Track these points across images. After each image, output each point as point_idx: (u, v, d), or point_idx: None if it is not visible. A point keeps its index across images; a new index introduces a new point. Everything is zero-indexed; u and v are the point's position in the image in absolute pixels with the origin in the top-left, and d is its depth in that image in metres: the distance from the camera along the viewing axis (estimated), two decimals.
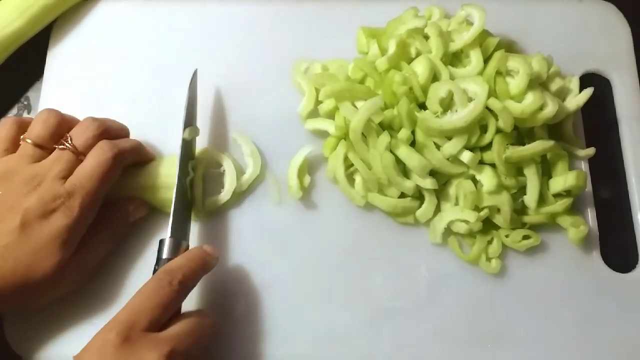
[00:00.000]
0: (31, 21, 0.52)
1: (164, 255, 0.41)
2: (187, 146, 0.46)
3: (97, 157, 0.42)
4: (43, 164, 0.42)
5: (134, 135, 0.48)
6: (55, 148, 0.43)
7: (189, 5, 0.55)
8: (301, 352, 0.45)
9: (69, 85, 0.52)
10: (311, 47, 0.53)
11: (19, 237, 0.39)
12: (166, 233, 0.43)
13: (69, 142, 0.43)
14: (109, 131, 0.45)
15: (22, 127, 0.44)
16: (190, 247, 0.43)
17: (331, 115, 0.50)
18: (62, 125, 0.44)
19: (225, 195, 0.47)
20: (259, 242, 0.47)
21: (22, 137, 0.43)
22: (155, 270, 0.41)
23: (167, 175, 0.46)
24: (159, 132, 0.50)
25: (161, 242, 0.42)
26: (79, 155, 0.43)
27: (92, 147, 0.43)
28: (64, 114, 0.45)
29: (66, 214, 0.40)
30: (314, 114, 0.50)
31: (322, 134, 0.50)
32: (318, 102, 0.50)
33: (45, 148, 0.43)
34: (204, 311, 0.41)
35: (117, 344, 0.35)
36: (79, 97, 0.52)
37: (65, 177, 0.41)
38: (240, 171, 0.49)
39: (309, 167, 0.49)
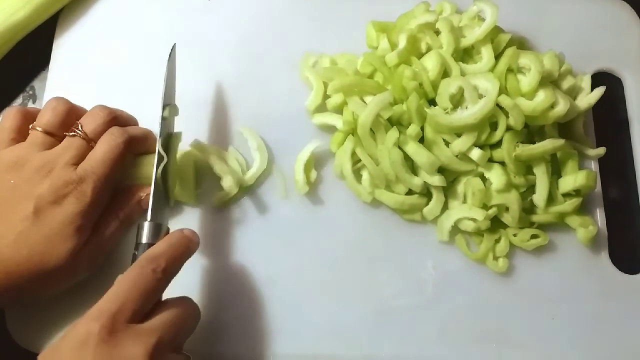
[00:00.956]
0: (37, 10, 0.51)
1: (144, 240, 0.40)
2: (166, 126, 0.45)
3: (109, 142, 0.42)
4: (54, 151, 0.42)
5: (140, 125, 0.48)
6: (65, 136, 0.43)
7: None
8: (305, 348, 0.45)
9: (75, 75, 0.52)
10: (320, 40, 0.52)
11: (33, 224, 0.39)
12: (145, 217, 0.41)
13: (80, 129, 0.43)
14: (119, 119, 0.45)
15: (27, 116, 0.44)
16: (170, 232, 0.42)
17: (339, 110, 0.49)
18: (71, 113, 0.44)
19: (231, 189, 0.47)
20: (265, 236, 0.47)
21: (31, 125, 0.43)
22: (134, 255, 0.40)
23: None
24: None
25: (140, 225, 0.41)
26: (90, 142, 0.43)
27: (102, 134, 0.43)
28: (72, 102, 0.45)
29: (79, 199, 0.40)
30: (321, 108, 0.50)
31: (330, 129, 0.50)
32: (326, 97, 0.50)
33: (55, 135, 0.43)
34: (185, 298, 0.40)
35: (101, 337, 0.34)
36: (84, 87, 0.51)
37: (76, 164, 0.41)
38: (246, 165, 0.48)
39: (316, 162, 0.49)
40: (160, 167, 0.43)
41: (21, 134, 0.43)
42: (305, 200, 0.48)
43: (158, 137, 0.44)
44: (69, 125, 0.43)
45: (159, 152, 0.43)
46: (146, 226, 0.41)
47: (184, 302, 0.39)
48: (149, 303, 0.37)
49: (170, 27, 0.53)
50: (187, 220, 0.47)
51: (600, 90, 0.48)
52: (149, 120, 0.48)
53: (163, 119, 0.44)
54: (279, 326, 0.45)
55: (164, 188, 0.44)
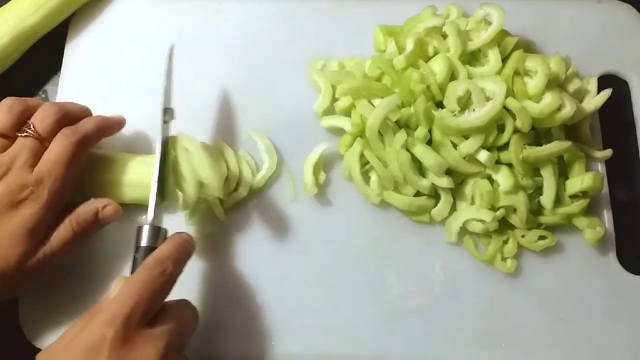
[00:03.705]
0: (49, 15, 0.52)
1: (144, 243, 0.41)
2: (165, 129, 0.46)
3: (61, 144, 0.42)
4: (8, 153, 0.41)
5: (151, 130, 0.48)
6: (18, 136, 0.42)
7: (205, 2, 0.55)
8: (314, 348, 0.45)
9: (86, 78, 0.52)
10: (328, 44, 0.53)
11: None
12: (145, 220, 0.42)
13: (32, 128, 0.42)
14: (69, 114, 0.44)
15: None
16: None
17: (347, 112, 0.50)
18: (26, 112, 0.43)
19: (242, 191, 0.48)
20: (274, 237, 0.48)
21: None
22: (135, 258, 0.40)
23: (137, 172, 0.45)
24: (173, 126, 0.50)
25: (139, 229, 0.41)
26: (43, 142, 0.42)
27: (55, 132, 0.42)
28: (29, 99, 0.44)
29: (36, 202, 0.40)
30: (330, 111, 0.50)
31: (338, 132, 0.50)
32: (334, 100, 0.50)
33: (8, 137, 0.42)
34: (184, 301, 0.40)
35: (115, 343, 0.34)
36: (95, 91, 0.52)
37: (32, 165, 0.41)
38: (255, 168, 0.49)
39: (325, 164, 0.49)
40: (157, 170, 0.43)
41: None
42: (314, 201, 0.49)
43: (159, 141, 0.44)
44: (23, 124, 0.43)
45: (160, 154, 0.43)
46: (146, 229, 0.41)
47: (185, 305, 0.40)
48: (158, 305, 0.37)
49: (181, 31, 0.54)
50: (197, 221, 0.48)
51: (606, 93, 0.49)
52: (158, 124, 0.48)
53: (164, 122, 0.45)
54: (288, 326, 0.45)
55: (160, 191, 0.44)
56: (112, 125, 0.47)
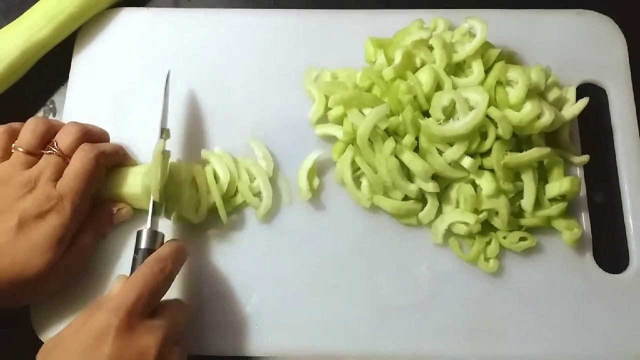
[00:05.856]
0: (57, 29, 0.54)
1: (143, 245, 0.45)
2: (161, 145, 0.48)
3: (80, 159, 0.45)
4: (35, 169, 0.45)
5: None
6: (43, 153, 0.46)
7: (205, 15, 0.57)
8: (309, 344, 0.47)
9: (92, 89, 0.55)
10: (322, 55, 0.55)
11: (16, 236, 0.42)
12: (145, 224, 0.46)
13: (55, 146, 0.46)
14: (90, 134, 0.48)
15: (13, 134, 0.47)
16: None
17: (340, 121, 0.52)
18: (50, 132, 0.47)
19: (240, 197, 0.50)
20: (270, 240, 0.50)
21: (13, 145, 0.46)
22: (134, 259, 0.44)
23: (133, 185, 0.48)
24: (178, 136, 0.53)
25: (139, 233, 0.45)
26: (66, 158, 0.46)
27: (76, 149, 0.46)
28: (52, 120, 0.48)
29: (60, 213, 0.44)
30: (323, 119, 0.53)
31: (331, 139, 0.52)
32: (327, 109, 0.52)
33: (35, 154, 0.46)
34: (177, 300, 0.45)
35: (119, 330, 0.38)
36: (101, 102, 0.54)
37: (56, 180, 0.45)
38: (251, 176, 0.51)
39: (318, 170, 0.52)
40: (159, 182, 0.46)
41: (6, 152, 0.46)
42: (309, 206, 0.51)
43: (161, 155, 0.47)
44: (47, 143, 0.46)
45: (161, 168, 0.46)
46: (145, 233, 0.45)
47: (179, 303, 0.44)
48: (158, 299, 0.41)
49: (183, 44, 0.56)
50: (198, 225, 0.50)
51: (584, 101, 0.51)
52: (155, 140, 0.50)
53: (162, 138, 0.48)
54: (283, 325, 0.47)
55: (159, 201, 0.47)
56: (127, 155, 0.50)
